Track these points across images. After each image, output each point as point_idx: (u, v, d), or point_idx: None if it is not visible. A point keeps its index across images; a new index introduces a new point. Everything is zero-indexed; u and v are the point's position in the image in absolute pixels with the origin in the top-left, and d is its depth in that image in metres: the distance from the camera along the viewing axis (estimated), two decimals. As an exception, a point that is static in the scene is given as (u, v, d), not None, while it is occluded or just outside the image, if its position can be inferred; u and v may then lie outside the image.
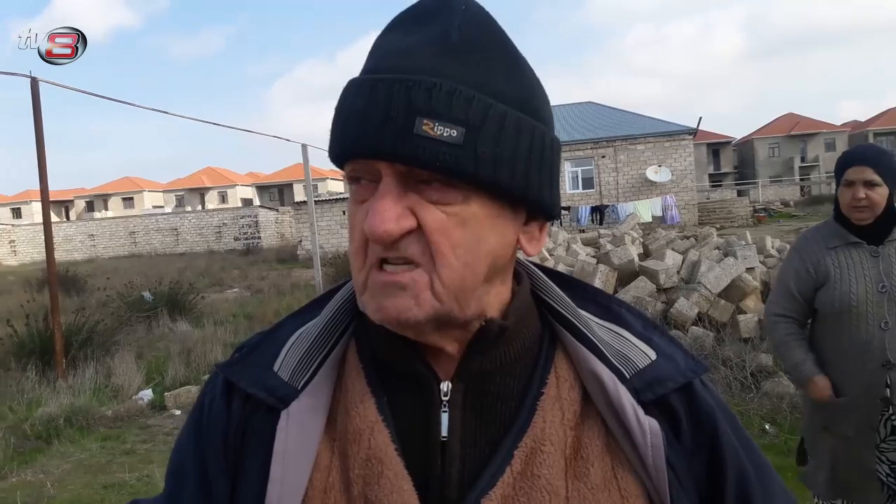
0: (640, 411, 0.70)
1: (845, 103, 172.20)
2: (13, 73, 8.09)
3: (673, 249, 9.06)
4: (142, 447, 5.92)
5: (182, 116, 22.42)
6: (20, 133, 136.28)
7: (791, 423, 5.03)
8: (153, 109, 13.95)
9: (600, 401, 0.71)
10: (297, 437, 0.71)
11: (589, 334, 0.74)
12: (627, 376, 0.71)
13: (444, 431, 0.70)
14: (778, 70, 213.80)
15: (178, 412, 6.83)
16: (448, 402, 0.71)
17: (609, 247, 9.25)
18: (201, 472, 0.76)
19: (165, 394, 7.19)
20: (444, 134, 0.61)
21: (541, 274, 0.80)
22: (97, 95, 10.19)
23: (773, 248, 9.42)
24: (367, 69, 0.68)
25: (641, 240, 10.97)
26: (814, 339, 2.69)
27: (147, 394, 7.32)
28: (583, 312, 0.77)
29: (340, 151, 0.67)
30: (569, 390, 0.73)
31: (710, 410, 0.74)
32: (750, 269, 7.83)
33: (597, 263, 8.41)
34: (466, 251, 0.65)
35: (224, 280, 20.43)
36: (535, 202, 0.69)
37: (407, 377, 0.72)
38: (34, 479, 5.28)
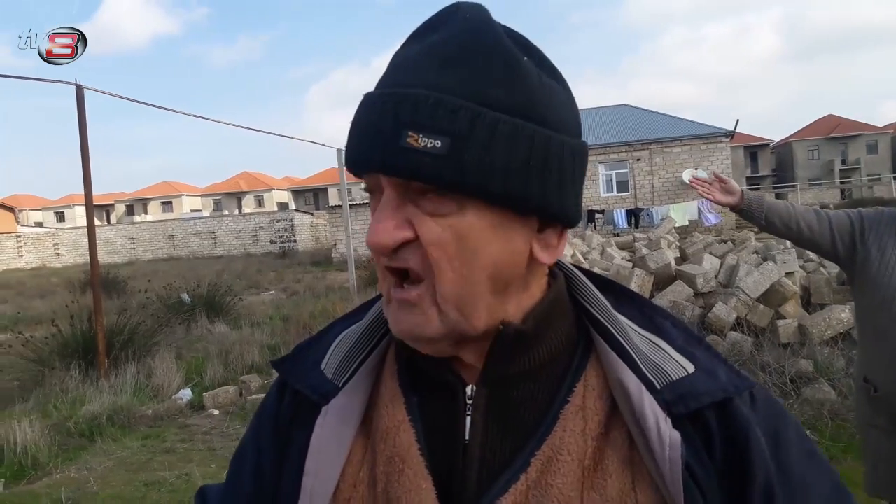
0: (664, 423, 0.68)
1: (888, 104, 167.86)
2: (59, 81, 8.32)
3: (710, 254, 8.94)
4: (181, 446, 6.03)
5: (220, 122, 22.82)
6: (62, 139, 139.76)
7: (832, 430, 4.93)
8: (192, 115, 14.30)
9: (626, 411, 0.70)
10: (332, 432, 0.74)
11: (623, 341, 0.72)
12: (658, 387, 0.69)
13: (467, 435, 0.71)
14: (817, 71, 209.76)
15: (216, 412, 6.93)
16: (472, 406, 0.72)
17: (645, 251, 9.15)
18: (257, 458, 0.81)
19: (204, 394, 7.31)
20: (429, 145, 0.62)
21: (581, 276, 0.79)
22: (138, 101, 10.44)
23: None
24: (377, 84, 0.70)
25: (678, 244, 10.85)
26: (864, 337, 2.57)
27: (186, 393, 7.45)
28: (622, 318, 0.75)
29: (347, 164, 0.69)
30: (595, 399, 0.72)
31: (746, 430, 0.69)
32: (789, 274, 7.69)
33: (633, 268, 8.33)
34: (463, 263, 0.65)
35: (260, 283, 20.70)
36: (540, 210, 0.67)
37: (437, 381, 0.74)
38: (78, 475, 5.40)
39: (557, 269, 0.78)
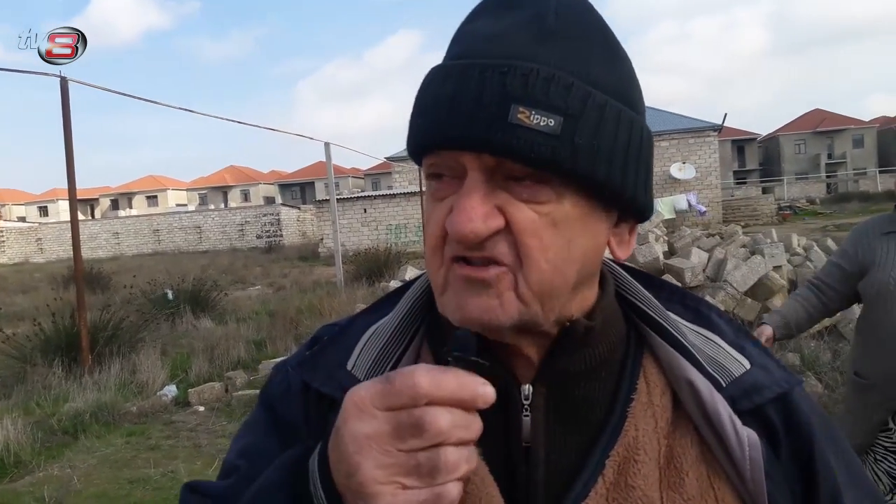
0: (738, 422, 0.66)
1: (874, 98, 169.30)
2: (44, 73, 8.19)
3: (698, 247, 8.97)
4: (166, 443, 5.97)
5: (205, 115, 22.61)
6: (46, 132, 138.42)
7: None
8: (177, 108, 14.09)
9: (693, 409, 0.68)
10: None
11: (681, 339, 0.70)
12: (724, 384, 0.68)
13: (527, 436, 0.67)
14: (804, 65, 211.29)
15: (201, 408, 6.87)
16: (530, 406, 0.67)
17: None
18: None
19: (189, 390, 7.24)
20: (541, 123, 0.57)
21: (625, 273, 0.76)
22: (122, 94, 10.28)
23: (799, 246, 9.29)
24: (452, 55, 0.64)
25: (666, 238, 10.87)
26: (859, 328, 2.68)
27: (171, 390, 7.38)
28: (671, 315, 0.73)
29: (422, 140, 0.62)
30: (660, 396, 0.69)
31: (808, 422, 0.69)
32: (777, 268, 7.72)
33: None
34: (557, 254, 0.61)
35: (246, 277, 20.58)
36: (629, 200, 0.64)
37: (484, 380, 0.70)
38: (61, 473, 5.34)
39: (602, 266, 0.74)
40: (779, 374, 0.71)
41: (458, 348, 0.55)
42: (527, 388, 0.67)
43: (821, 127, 67.52)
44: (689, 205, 21.92)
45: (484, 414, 0.66)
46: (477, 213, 0.58)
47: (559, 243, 0.61)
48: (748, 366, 0.70)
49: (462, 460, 0.53)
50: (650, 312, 0.72)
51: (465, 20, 0.66)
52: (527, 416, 0.67)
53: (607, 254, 0.70)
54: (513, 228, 0.60)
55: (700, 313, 0.75)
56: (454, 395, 0.53)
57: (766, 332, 2.69)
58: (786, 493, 0.67)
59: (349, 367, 0.73)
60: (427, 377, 0.52)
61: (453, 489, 0.53)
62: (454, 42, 0.65)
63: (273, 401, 0.78)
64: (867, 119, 71.05)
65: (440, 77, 0.62)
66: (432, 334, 0.75)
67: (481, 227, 0.58)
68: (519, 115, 0.56)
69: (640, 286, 0.75)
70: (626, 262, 0.79)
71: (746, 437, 0.65)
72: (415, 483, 0.52)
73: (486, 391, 0.54)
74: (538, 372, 0.67)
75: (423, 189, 0.67)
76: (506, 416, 0.67)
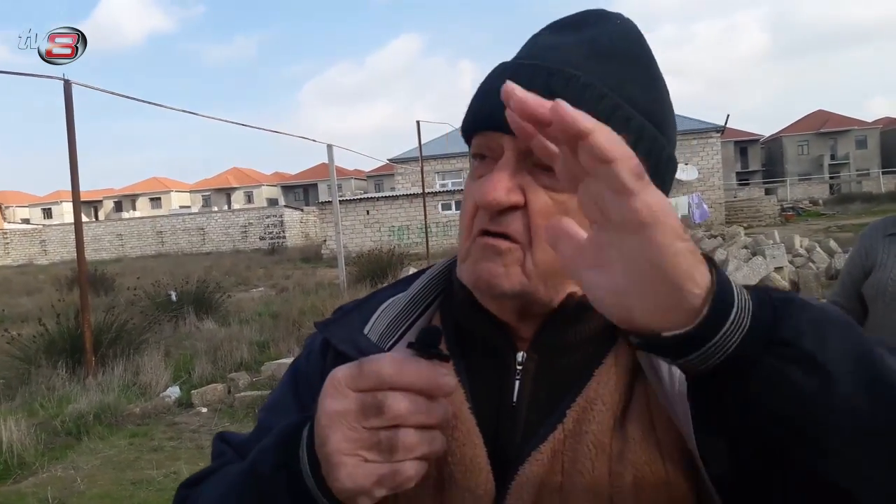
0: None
1: (877, 100, 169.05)
2: (47, 76, 8.22)
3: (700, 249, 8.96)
4: (169, 444, 5.99)
5: (208, 117, 22.80)
6: (50, 135, 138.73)
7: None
8: (180, 110, 14.18)
9: (644, 362, 0.73)
10: None
11: None
12: None
13: (514, 397, 0.75)
14: (807, 67, 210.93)
15: (204, 410, 6.89)
16: (521, 371, 0.75)
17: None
18: (300, 408, 0.82)
19: (192, 391, 7.27)
20: None
21: None
22: (125, 97, 10.35)
23: (801, 247, 9.29)
24: (516, 57, 0.76)
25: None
26: (865, 329, 2.65)
27: (174, 391, 7.41)
28: None
29: (473, 121, 0.74)
30: (625, 357, 0.75)
31: None
32: (779, 269, 7.73)
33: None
34: None
35: (249, 279, 20.63)
36: None
37: (486, 346, 0.78)
38: (64, 474, 5.36)
39: None
40: None
41: (421, 340, 0.62)
42: (521, 356, 0.76)
43: (824, 128, 67.36)
44: (689, 207, 21.88)
45: (482, 376, 0.77)
46: (502, 184, 0.68)
47: None
48: None
49: (421, 442, 0.60)
50: None
51: (537, 32, 0.78)
52: (518, 379, 0.75)
53: None
54: (529, 209, 0.69)
55: None
56: (413, 383, 0.59)
57: None
58: None
59: (365, 331, 0.81)
60: (391, 366, 0.59)
61: (410, 468, 0.60)
62: (522, 48, 0.78)
63: (299, 362, 0.88)
64: (870, 120, 70.85)
65: (498, 71, 0.74)
66: (445, 308, 0.84)
67: (503, 197, 0.68)
68: None
69: None
70: None
71: (678, 375, 0.68)
72: (375, 457, 0.60)
73: (445, 381, 0.60)
74: (532, 341, 0.76)
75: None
76: (500, 379, 0.76)
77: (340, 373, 0.61)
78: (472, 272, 0.72)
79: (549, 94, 0.63)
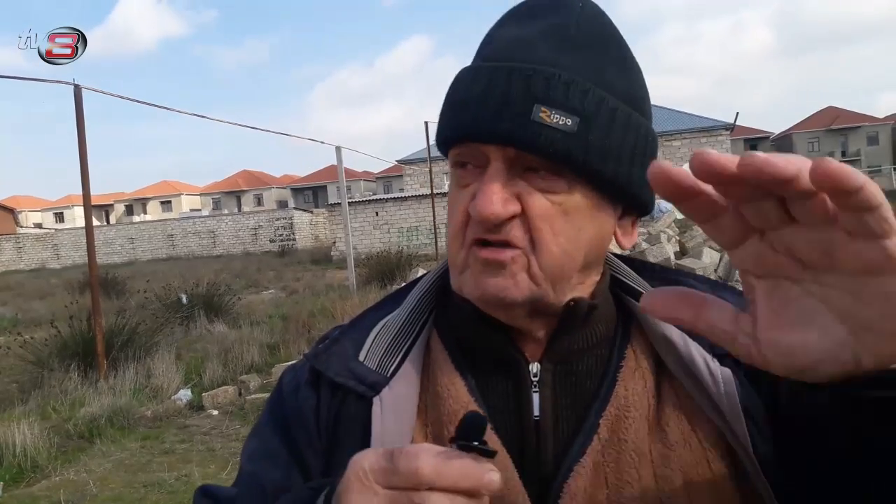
0: (714, 363, 0.70)
1: (887, 95, 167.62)
2: (58, 81, 8.28)
3: (710, 248, 8.92)
4: (180, 447, 6.01)
5: (218, 120, 22.80)
6: (62, 139, 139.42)
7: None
8: (190, 114, 14.24)
9: (672, 361, 0.72)
10: (392, 421, 0.72)
11: None
12: None
13: (536, 411, 0.72)
14: (815, 63, 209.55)
15: (215, 412, 6.91)
16: (538, 382, 0.73)
17: (644, 245, 9.13)
18: (293, 452, 0.77)
19: (203, 394, 7.29)
20: (560, 122, 0.64)
21: (611, 256, 0.83)
22: (135, 101, 10.40)
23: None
24: (483, 57, 0.71)
25: (678, 238, 10.83)
26: None
27: (185, 394, 7.43)
28: (648, 285, 0.78)
29: (452, 134, 0.70)
30: (646, 360, 0.74)
31: None
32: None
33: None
34: (567, 239, 0.68)
35: (260, 281, 20.67)
36: (634, 196, 0.71)
37: (495, 360, 0.75)
38: (77, 477, 5.39)
39: None
40: None
41: (465, 430, 0.54)
42: (535, 367, 0.74)
43: (834, 124, 66.99)
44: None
45: (496, 391, 0.74)
46: (498, 197, 0.65)
47: (569, 230, 0.68)
48: None
49: None
50: (633, 286, 0.78)
51: (494, 25, 0.74)
52: (536, 392, 0.73)
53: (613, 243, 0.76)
54: (528, 214, 0.67)
55: (679, 281, 0.80)
56: (457, 484, 0.52)
57: None
58: (766, 428, 0.69)
59: (361, 357, 0.76)
60: (430, 463, 0.52)
61: None
62: (484, 44, 0.73)
63: (281, 400, 0.81)
64: (881, 116, 70.34)
65: (470, 77, 0.70)
66: (440, 324, 0.80)
67: (501, 211, 0.65)
68: (541, 115, 0.64)
69: (620, 262, 0.82)
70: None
71: (720, 374, 0.69)
72: None
73: (490, 479, 0.52)
74: (545, 350, 0.74)
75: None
76: (518, 393, 0.73)
77: (367, 462, 0.54)
78: (477, 287, 0.70)
79: (531, 99, 0.64)
